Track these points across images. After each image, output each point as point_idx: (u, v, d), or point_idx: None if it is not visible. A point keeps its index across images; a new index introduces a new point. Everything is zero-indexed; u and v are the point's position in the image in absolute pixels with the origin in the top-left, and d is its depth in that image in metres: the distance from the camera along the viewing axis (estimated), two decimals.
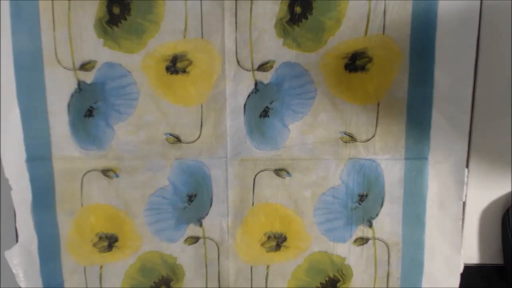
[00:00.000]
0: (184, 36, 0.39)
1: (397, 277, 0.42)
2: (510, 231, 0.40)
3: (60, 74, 0.39)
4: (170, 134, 0.40)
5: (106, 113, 0.40)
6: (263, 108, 0.40)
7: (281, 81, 0.39)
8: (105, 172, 0.41)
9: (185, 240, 0.42)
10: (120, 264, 0.43)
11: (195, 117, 0.40)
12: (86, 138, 0.40)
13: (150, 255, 0.43)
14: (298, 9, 0.38)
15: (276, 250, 0.43)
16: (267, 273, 0.43)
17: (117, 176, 0.41)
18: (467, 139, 0.39)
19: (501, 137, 0.40)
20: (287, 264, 0.43)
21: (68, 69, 0.39)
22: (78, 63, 0.39)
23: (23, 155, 0.40)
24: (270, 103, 0.40)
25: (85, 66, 0.39)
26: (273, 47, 0.39)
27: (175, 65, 0.39)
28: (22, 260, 0.41)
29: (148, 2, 0.38)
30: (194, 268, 0.43)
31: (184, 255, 0.43)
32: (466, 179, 0.40)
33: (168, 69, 0.39)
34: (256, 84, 0.39)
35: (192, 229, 0.42)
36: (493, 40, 0.38)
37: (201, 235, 0.42)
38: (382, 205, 0.41)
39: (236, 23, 0.38)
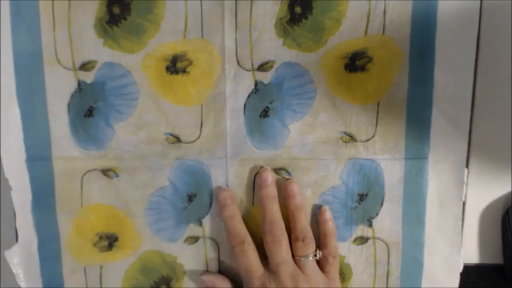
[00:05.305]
0: (184, 36, 0.38)
1: (396, 277, 0.42)
2: (510, 231, 0.40)
3: (60, 74, 0.39)
4: (170, 134, 0.40)
5: (106, 113, 0.40)
6: (263, 108, 0.40)
7: (281, 81, 0.39)
8: (105, 172, 0.41)
9: (185, 240, 0.42)
10: (120, 264, 0.43)
11: (195, 117, 0.40)
12: (86, 138, 0.40)
13: (150, 254, 0.43)
14: (298, 9, 0.38)
15: None
16: None
17: (117, 176, 0.41)
18: (467, 139, 0.39)
19: (501, 137, 0.40)
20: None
21: (68, 69, 0.39)
22: (78, 63, 0.39)
23: (23, 155, 0.40)
24: (270, 103, 0.40)
25: (85, 66, 0.39)
26: (273, 47, 0.39)
27: (175, 65, 0.39)
28: (22, 260, 0.41)
29: (148, 2, 0.38)
30: (194, 267, 0.43)
31: (184, 255, 0.43)
32: (466, 179, 0.40)
33: (168, 69, 0.39)
34: (256, 84, 0.39)
35: (192, 229, 0.42)
36: (493, 40, 0.38)
37: (201, 234, 0.42)
38: (382, 204, 0.41)
39: (236, 23, 0.38)
